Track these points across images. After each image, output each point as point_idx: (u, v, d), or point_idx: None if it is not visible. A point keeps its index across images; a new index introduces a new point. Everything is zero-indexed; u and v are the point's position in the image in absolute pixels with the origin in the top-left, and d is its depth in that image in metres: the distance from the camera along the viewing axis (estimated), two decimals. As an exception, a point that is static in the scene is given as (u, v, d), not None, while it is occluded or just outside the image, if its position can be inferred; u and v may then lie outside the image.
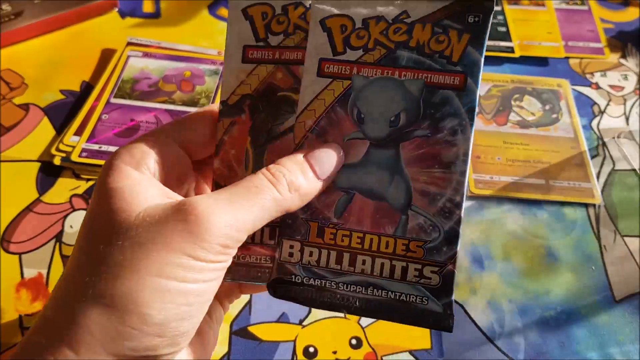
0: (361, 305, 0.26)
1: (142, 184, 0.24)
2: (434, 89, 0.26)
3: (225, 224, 0.23)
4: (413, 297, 0.26)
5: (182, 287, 0.22)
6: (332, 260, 0.26)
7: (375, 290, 0.26)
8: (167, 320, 0.22)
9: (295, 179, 0.25)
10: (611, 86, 0.56)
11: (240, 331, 0.38)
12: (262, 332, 0.38)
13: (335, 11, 0.26)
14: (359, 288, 0.26)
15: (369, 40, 0.26)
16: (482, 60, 0.26)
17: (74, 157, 0.48)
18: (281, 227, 0.27)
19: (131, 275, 0.21)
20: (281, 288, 0.26)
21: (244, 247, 0.27)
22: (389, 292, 0.26)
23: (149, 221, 0.22)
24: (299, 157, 0.26)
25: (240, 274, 0.28)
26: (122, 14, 0.61)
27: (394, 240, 0.26)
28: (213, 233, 0.22)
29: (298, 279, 0.26)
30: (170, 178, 0.26)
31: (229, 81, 0.28)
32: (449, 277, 0.26)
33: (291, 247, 0.26)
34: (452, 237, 0.26)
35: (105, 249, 0.22)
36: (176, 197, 0.25)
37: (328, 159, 0.26)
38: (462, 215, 0.26)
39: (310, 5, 0.27)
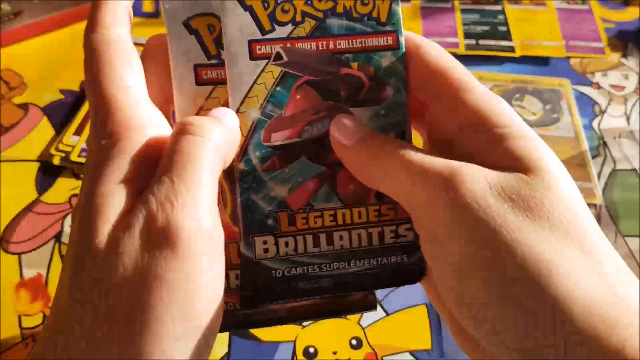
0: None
1: None
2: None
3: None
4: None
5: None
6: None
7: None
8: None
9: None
10: (612, 86, 0.56)
11: (240, 331, 0.38)
12: (262, 332, 0.38)
13: None
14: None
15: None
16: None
17: (74, 157, 0.48)
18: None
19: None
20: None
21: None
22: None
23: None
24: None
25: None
26: (122, 14, 0.61)
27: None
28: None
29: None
30: None
31: (183, 108, 0.25)
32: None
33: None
34: None
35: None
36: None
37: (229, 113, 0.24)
38: None
39: None
